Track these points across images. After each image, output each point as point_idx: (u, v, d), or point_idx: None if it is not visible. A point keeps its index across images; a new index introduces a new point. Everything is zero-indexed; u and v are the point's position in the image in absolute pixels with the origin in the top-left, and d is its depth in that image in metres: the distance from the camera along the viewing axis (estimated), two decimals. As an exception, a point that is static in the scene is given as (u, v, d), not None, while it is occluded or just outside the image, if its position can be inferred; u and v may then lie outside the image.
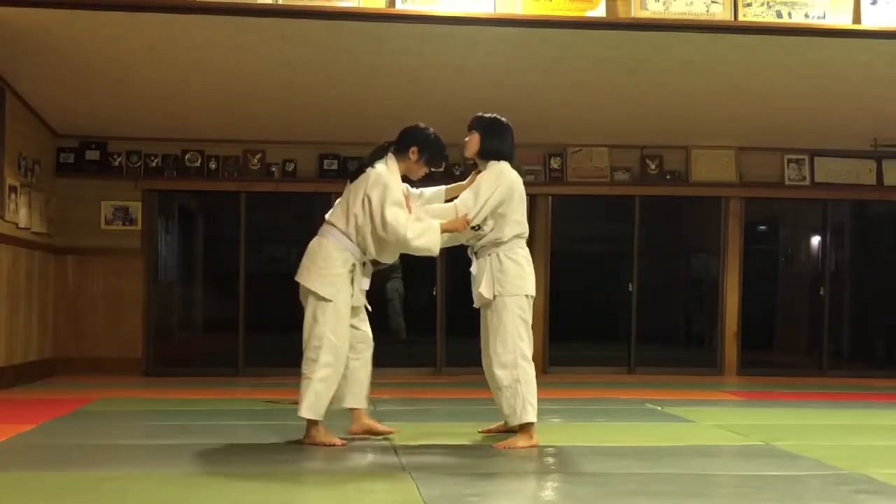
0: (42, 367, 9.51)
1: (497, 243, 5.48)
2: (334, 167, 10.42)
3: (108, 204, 10.24)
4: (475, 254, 5.59)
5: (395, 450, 5.19)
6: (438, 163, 5.61)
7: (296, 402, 7.40)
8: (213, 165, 10.34)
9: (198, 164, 10.32)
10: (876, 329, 11.99)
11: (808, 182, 10.80)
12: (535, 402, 5.39)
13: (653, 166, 10.71)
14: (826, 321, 11.22)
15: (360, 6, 6.82)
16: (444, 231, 5.34)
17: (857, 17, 7.11)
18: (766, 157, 10.77)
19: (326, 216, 5.45)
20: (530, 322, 5.52)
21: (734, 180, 10.73)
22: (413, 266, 10.07)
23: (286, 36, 7.49)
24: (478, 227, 5.48)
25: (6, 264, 8.47)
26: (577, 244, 12.77)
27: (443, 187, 5.81)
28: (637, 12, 6.97)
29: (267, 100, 9.04)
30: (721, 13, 7.01)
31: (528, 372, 5.43)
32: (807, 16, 7.06)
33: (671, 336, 13.31)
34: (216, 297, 11.84)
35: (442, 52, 7.82)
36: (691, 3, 6.99)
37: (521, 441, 5.34)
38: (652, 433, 6.18)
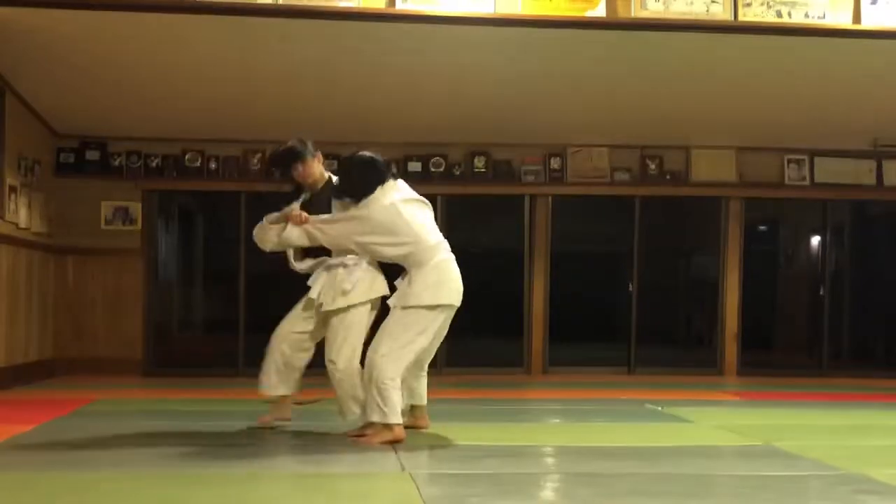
0: (42, 367, 9.51)
1: (402, 260, 5.59)
2: (334, 167, 10.39)
3: (108, 204, 10.24)
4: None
5: (395, 450, 5.19)
6: (277, 170, 6.21)
7: (296, 402, 7.41)
8: (213, 165, 10.34)
9: (198, 164, 10.32)
10: (876, 329, 11.98)
11: (808, 182, 10.80)
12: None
13: (653, 166, 10.71)
14: (826, 321, 11.22)
15: (361, 6, 6.82)
16: (282, 215, 5.79)
17: (857, 17, 7.10)
18: (766, 157, 10.77)
19: None
20: (427, 328, 5.52)
21: (734, 180, 10.73)
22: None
23: (286, 36, 7.48)
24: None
25: (6, 264, 8.47)
26: (577, 244, 12.75)
27: None
28: (637, 12, 6.96)
29: (267, 100, 9.04)
30: (721, 13, 7.01)
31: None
32: (807, 16, 7.06)
33: (671, 336, 13.29)
34: (216, 297, 11.83)
35: (442, 52, 7.82)
36: (691, 2, 6.98)
37: (377, 437, 5.44)
38: (652, 433, 6.18)
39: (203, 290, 12.32)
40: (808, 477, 4.58)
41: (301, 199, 5.92)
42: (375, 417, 5.43)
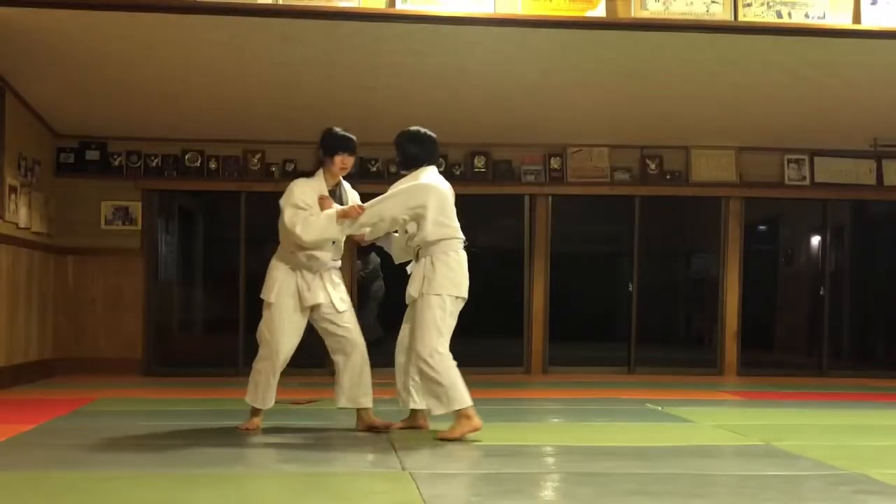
0: (42, 367, 9.51)
1: (427, 245, 5.67)
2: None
3: (108, 204, 10.24)
4: (415, 257, 5.81)
5: (395, 450, 5.19)
6: (339, 147, 5.90)
7: (296, 402, 7.42)
8: (213, 165, 10.34)
9: (198, 164, 10.32)
10: (876, 329, 11.98)
11: (808, 182, 10.80)
12: (456, 389, 5.52)
13: (653, 166, 10.71)
14: (826, 321, 11.22)
15: (360, 6, 6.82)
16: (339, 217, 5.69)
17: (857, 17, 7.11)
18: (766, 157, 10.77)
19: None
20: (451, 322, 5.65)
21: (734, 180, 10.73)
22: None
23: (286, 36, 7.49)
24: (404, 223, 5.73)
25: (6, 264, 8.47)
26: (577, 244, 12.75)
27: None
28: (637, 12, 6.96)
29: (267, 100, 9.04)
30: (721, 13, 7.01)
31: (445, 363, 5.55)
32: (807, 16, 7.06)
33: (671, 336, 13.30)
34: (216, 297, 11.83)
35: (442, 52, 7.82)
36: (691, 3, 6.99)
37: (459, 429, 5.51)
38: (652, 433, 6.18)
39: (203, 290, 12.33)
40: (808, 477, 4.58)
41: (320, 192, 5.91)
42: (458, 405, 5.49)
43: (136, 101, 9.11)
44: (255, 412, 5.95)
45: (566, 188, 10.65)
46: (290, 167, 10.38)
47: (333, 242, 5.83)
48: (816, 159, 10.79)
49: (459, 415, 5.53)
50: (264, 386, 5.90)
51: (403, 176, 5.90)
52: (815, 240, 11.89)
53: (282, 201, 5.83)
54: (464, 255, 5.74)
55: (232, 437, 5.69)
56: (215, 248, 12.20)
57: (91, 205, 10.19)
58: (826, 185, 10.83)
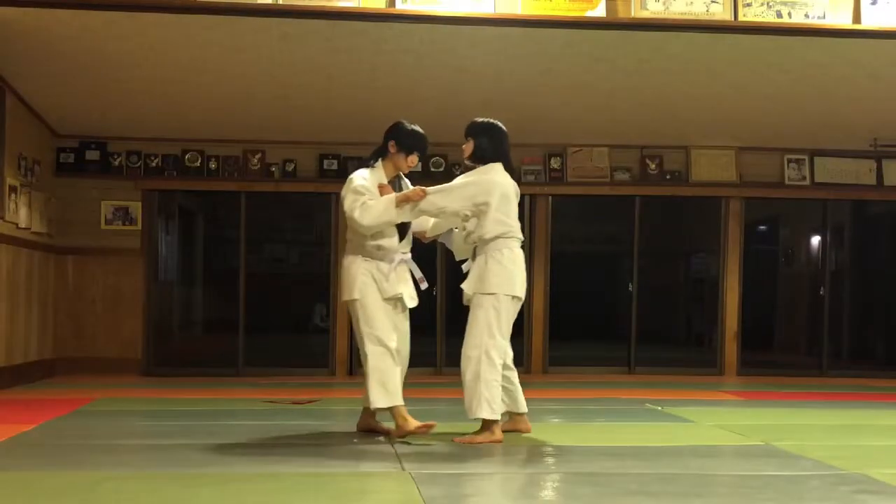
0: (42, 367, 9.51)
1: (483, 241, 5.55)
2: (334, 167, 10.42)
3: (108, 204, 10.24)
4: (472, 254, 5.69)
5: (395, 450, 5.19)
6: (417, 148, 5.70)
7: (296, 402, 7.40)
8: (213, 165, 10.34)
9: (198, 164, 10.32)
10: (876, 329, 11.98)
11: (808, 182, 10.80)
12: (493, 399, 5.42)
13: (653, 166, 10.71)
14: (826, 321, 11.21)
15: (360, 6, 6.82)
16: (399, 202, 5.49)
17: (857, 17, 7.10)
18: (766, 157, 10.77)
19: None
20: (507, 323, 5.54)
21: (734, 180, 10.73)
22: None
23: (286, 36, 7.49)
24: (464, 225, 5.60)
25: (6, 264, 8.47)
26: (577, 244, 12.77)
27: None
28: (637, 12, 6.96)
29: (267, 100, 9.04)
30: (721, 13, 7.01)
31: (490, 370, 5.44)
32: (807, 16, 7.06)
33: (671, 336, 13.31)
34: (216, 297, 11.85)
35: (442, 52, 7.82)
36: (691, 2, 6.98)
37: (480, 436, 5.43)
38: (652, 433, 6.18)
39: (203, 290, 12.34)
40: (808, 477, 4.58)
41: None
42: (486, 414, 5.41)
43: (136, 101, 9.11)
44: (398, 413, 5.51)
45: (566, 188, 10.65)
46: (290, 167, 10.39)
47: (402, 236, 5.63)
48: (816, 159, 10.79)
49: (486, 424, 5.43)
50: (391, 378, 5.47)
51: (469, 168, 5.75)
52: (815, 240, 11.90)
53: (343, 191, 5.60)
54: (520, 254, 5.60)
55: (232, 437, 5.69)
56: (215, 248, 12.22)
57: (91, 205, 10.19)
58: (826, 185, 10.82)
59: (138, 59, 7.96)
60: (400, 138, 5.67)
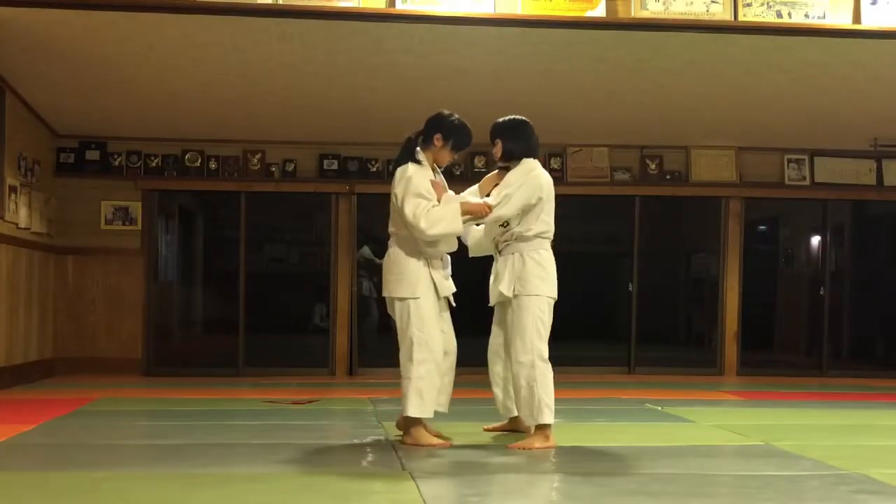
0: (42, 367, 9.51)
1: (521, 239, 5.49)
2: (334, 167, 10.43)
3: (108, 204, 10.24)
4: (499, 251, 5.61)
5: (395, 450, 5.19)
6: (465, 144, 5.63)
7: (296, 402, 7.40)
8: (213, 165, 10.34)
9: (198, 164, 10.32)
10: (876, 329, 11.98)
11: (808, 182, 10.80)
12: (551, 403, 5.38)
13: (653, 166, 10.71)
14: (826, 321, 11.21)
15: (360, 6, 6.82)
16: (464, 212, 5.34)
17: (857, 17, 7.10)
18: (766, 157, 10.77)
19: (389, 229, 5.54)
20: (549, 323, 5.50)
21: (734, 180, 10.73)
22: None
23: (286, 36, 7.48)
24: (506, 225, 5.51)
25: (6, 264, 8.47)
26: (577, 244, 12.75)
27: (474, 186, 5.83)
28: (637, 12, 6.96)
29: (267, 100, 9.04)
30: (721, 13, 7.01)
31: (546, 373, 5.40)
32: (807, 16, 7.06)
33: (671, 336, 13.30)
34: (216, 297, 11.84)
35: (442, 52, 7.82)
36: (691, 2, 6.98)
37: (537, 442, 5.34)
38: (652, 433, 6.18)
39: (203, 290, 12.34)
40: (808, 477, 4.58)
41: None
42: (549, 419, 5.35)
43: (136, 101, 9.11)
44: (422, 425, 5.39)
45: (566, 188, 10.60)
46: (290, 167, 10.39)
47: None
48: (816, 159, 10.79)
49: (541, 429, 5.37)
50: (430, 389, 5.31)
51: (503, 168, 5.63)
52: (815, 240, 11.89)
53: (398, 190, 5.32)
54: (552, 254, 5.58)
55: (232, 436, 5.69)
56: (215, 248, 12.21)
57: (91, 205, 10.19)
58: (826, 185, 10.83)
59: (138, 59, 7.96)
60: (448, 132, 5.52)
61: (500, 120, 5.72)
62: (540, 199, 5.48)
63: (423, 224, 5.23)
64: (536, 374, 5.35)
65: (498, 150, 5.64)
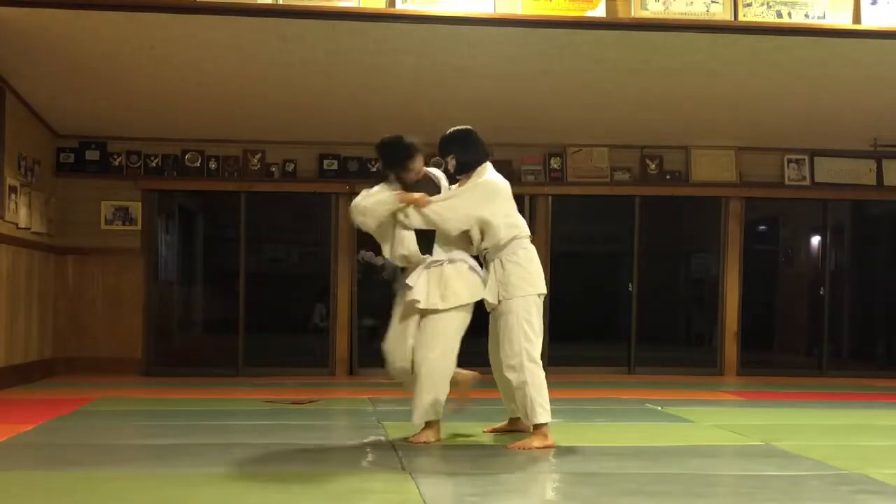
0: (42, 367, 9.51)
1: (497, 248, 5.49)
2: (334, 167, 10.43)
3: (108, 204, 10.24)
4: (484, 262, 5.64)
5: (395, 450, 5.19)
6: (389, 163, 5.61)
7: (296, 402, 7.40)
8: (213, 165, 10.34)
9: (198, 164, 10.32)
10: (876, 329, 11.99)
11: (808, 182, 10.80)
12: (545, 402, 5.38)
13: (653, 166, 10.71)
14: (826, 321, 11.22)
15: (360, 6, 6.82)
16: (401, 200, 5.40)
17: (857, 17, 7.11)
18: (766, 157, 10.77)
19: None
20: (538, 321, 5.48)
21: (734, 180, 10.73)
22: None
23: (286, 36, 7.48)
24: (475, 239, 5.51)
25: (6, 264, 8.47)
26: (577, 244, 12.76)
27: None
28: (637, 12, 6.97)
29: (267, 100, 9.04)
30: (721, 13, 7.01)
31: (536, 374, 5.40)
32: (807, 16, 7.06)
33: (671, 336, 13.30)
34: (216, 297, 11.84)
35: (442, 52, 7.82)
36: (691, 3, 6.99)
37: (535, 441, 5.35)
38: (652, 433, 6.18)
39: (203, 289, 12.34)
40: (808, 477, 4.58)
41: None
42: (543, 419, 5.36)
43: (136, 101, 9.11)
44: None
45: (566, 188, 10.65)
46: (290, 167, 10.39)
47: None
48: (816, 159, 10.79)
49: (538, 429, 5.38)
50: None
51: (459, 181, 5.62)
52: (815, 240, 11.90)
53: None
54: (533, 250, 5.57)
55: (232, 437, 5.69)
56: (215, 248, 12.22)
57: (91, 205, 10.19)
58: (826, 185, 10.83)
59: (138, 59, 7.96)
60: (380, 158, 5.69)
61: (447, 134, 5.70)
62: (491, 213, 5.41)
63: (358, 198, 5.47)
64: (526, 375, 5.36)
65: (452, 166, 5.64)
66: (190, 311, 12.47)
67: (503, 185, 5.58)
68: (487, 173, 5.58)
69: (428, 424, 5.46)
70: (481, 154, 5.63)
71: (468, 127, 5.70)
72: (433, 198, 5.47)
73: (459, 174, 5.63)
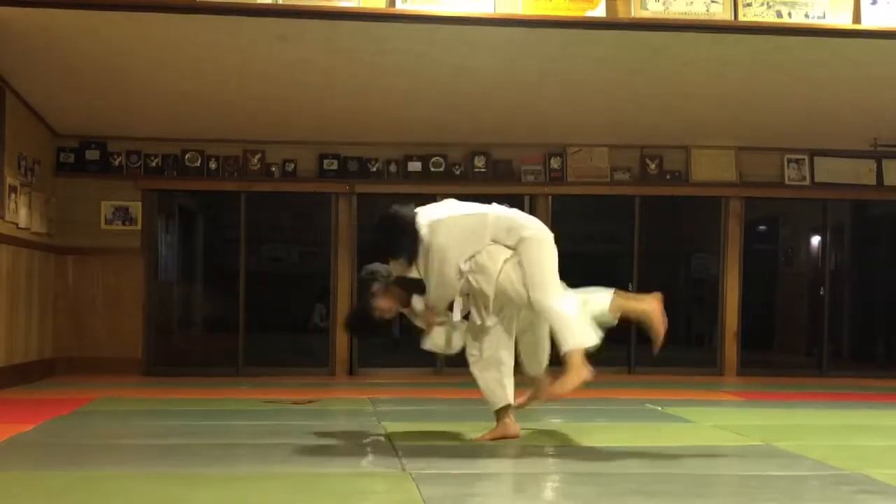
0: (42, 367, 9.51)
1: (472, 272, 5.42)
2: (334, 167, 10.42)
3: (108, 204, 10.24)
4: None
5: (395, 450, 5.19)
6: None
7: (296, 402, 7.39)
8: (213, 165, 10.34)
9: (198, 164, 10.32)
10: (876, 329, 11.98)
11: (808, 182, 10.80)
12: (587, 325, 5.73)
13: (653, 166, 10.71)
14: (826, 321, 11.21)
15: (360, 6, 6.82)
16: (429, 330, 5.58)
17: (857, 17, 7.11)
18: (766, 157, 10.77)
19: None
20: (518, 274, 5.60)
21: (734, 180, 10.73)
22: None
23: (286, 36, 7.49)
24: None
25: (6, 264, 8.47)
26: (577, 244, 12.75)
27: None
28: (637, 12, 6.96)
29: (267, 100, 9.04)
30: (721, 13, 7.01)
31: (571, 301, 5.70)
32: (807, 16, 7.06)
33: (671, 336, 13.29)
34: (216, 297, 11.84)
35: (442, 52, 7.82)
36: (691, 3, 6.98)
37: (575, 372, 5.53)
38: (652, 433, 6.17)
39: (203, 289, 12.35)
40: (808, 477, 4.58)
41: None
42: (588, 341, 5.69)
43: (136, 101, 9.11)
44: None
45: (566, 188, 10.65)
46: (290, 167, 10.39)
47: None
48: (816, 159, 10.79)
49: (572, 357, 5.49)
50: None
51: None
52: (815, 240, 11.90)
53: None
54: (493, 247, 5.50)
55: (232, 437, 5.69)
56: (215, 247, 12.23)
57: (91, 205, 10.19)
58: (826, 185, 10.83)
59: (138, 59, 7.96)
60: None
61: (372, 241, 5.69)
62: (441, 266, 5.30)
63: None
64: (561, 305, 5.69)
65: (402, 265, 5.41)
66: (190, 311, 12.47)
67: (444, 236, 5.33)
68: (425, 235, 5.32)
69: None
70: (409, 234, 5.32)
71: (379, 218, 5.54)
72: (422, 299, 5.47)
73: (411, 263, 5.40)
